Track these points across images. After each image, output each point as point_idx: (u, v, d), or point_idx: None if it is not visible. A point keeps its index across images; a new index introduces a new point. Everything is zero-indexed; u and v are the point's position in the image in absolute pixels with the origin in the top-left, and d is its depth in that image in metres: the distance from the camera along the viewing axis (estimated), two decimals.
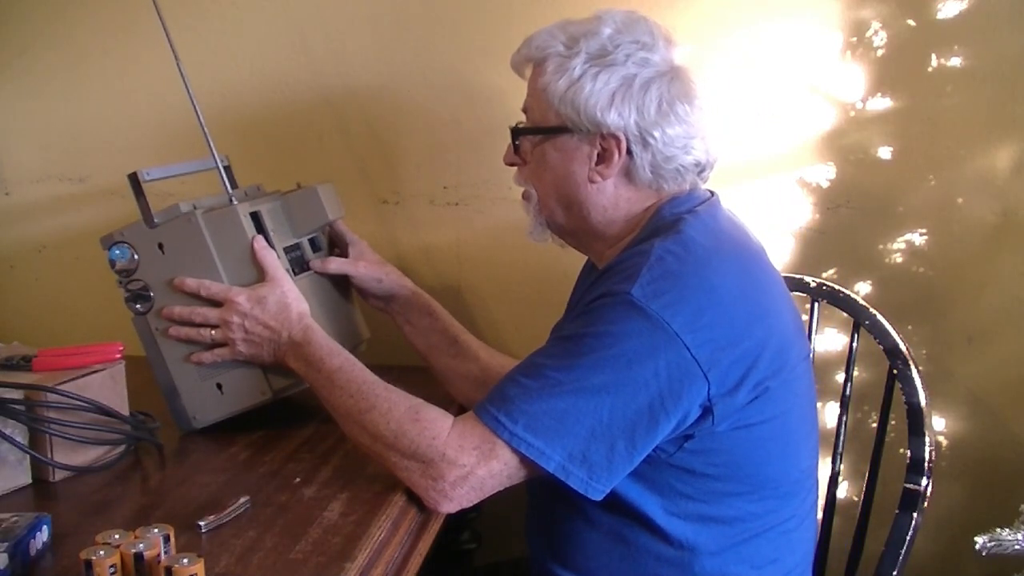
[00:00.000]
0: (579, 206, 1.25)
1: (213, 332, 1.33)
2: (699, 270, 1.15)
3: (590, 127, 1.21)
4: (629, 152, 1.21)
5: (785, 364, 1.18)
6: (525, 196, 1.31)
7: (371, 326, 1.58)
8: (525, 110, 1.29)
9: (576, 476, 1.11)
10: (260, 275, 1.33)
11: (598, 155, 1.22)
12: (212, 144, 1.40)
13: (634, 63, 1.20)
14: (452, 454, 1.12)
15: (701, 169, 1.25)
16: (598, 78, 1.19)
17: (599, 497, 1.12)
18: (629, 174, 1.23)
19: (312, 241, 1.48)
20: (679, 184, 1.24)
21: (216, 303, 1.33)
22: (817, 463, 1.31)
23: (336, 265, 1.47)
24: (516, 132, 1.28)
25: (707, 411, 1.12)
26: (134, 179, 1.35)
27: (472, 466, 1.12)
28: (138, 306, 1.37)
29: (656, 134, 1.20)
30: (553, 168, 1.25)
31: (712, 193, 1.28)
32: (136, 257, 1.36)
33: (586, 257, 1.38)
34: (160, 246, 1.35)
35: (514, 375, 1.15)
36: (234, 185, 1.50)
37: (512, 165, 1.32)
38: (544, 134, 1.25)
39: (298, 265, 1.43)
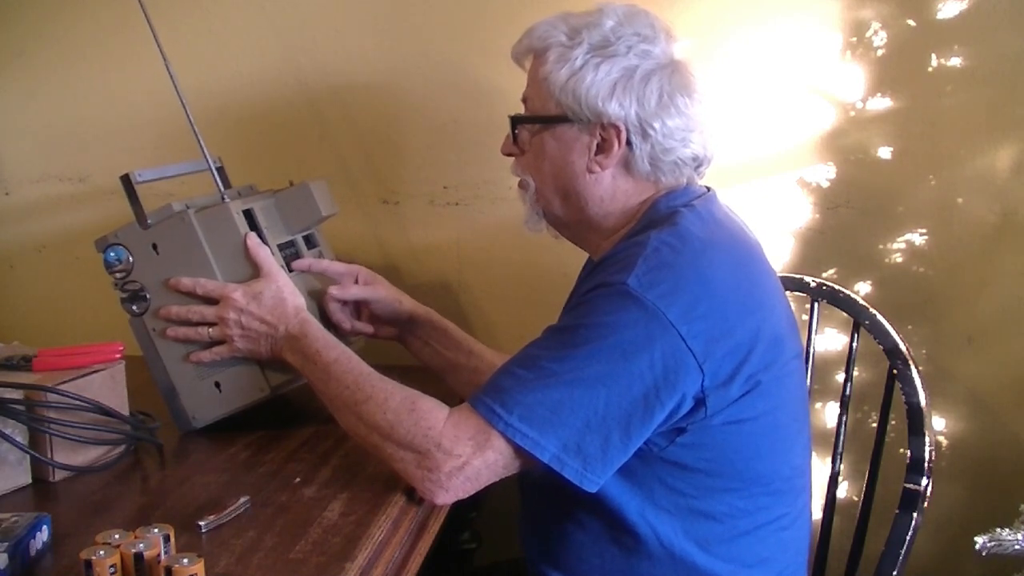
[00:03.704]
0: (576, 196, 1.25)
1: (210, 330, 1.33)
2: (694, 261, 1.15)
3: (590, 117, 1.21)
4: (628, 143, 1.22)
5: (777, 358, 1.19)
6: (522, 185, 1.31)
7: None
8: (525, 100, 1.29)
9: (571, 467, 1.11)
10: (255, 271, 1.33)
11: (597, 145, 1.23)
12: (203, 145, 1.40)
13: (635, 55, 1.20)
14: (447, 444, 1.12)
15: (698, 164, 1.26)
16: (599, 68, 1.20)
17: (594, 488, 1.12)
18: (627, 165, 1.23)
19: (307, 238, 1.48)
20: (676, 178, 1.25)
21: (212, 301, 1.33)
22: (809, 463, 1.31)
23: (356, 291, 1.45)
24: (516, 121, 1.29)
25: (700, 403, 1.13)
26: (126, 181, 1.35)
27: (467, 456, 1.12)
28: (135, 307, 1.37)
29: (656, 125, 1.20)
30: (551, 158, 1.25)
31: (708, 188, 1.29)
32: (131, 258, 1.36)
33: (586, 256, 1.38)
34: (154, 246, 1.35)
35: (509, 366, 1.15)
36: (227, 185, 1.50)
37: (510, 155, 1.32)
38: (544, 123, 1.25)
39: (293, 261, 1.43)
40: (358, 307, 1.48)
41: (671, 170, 1.24)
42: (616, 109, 1.20)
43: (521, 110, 1.30)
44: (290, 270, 1.40)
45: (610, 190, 1.25)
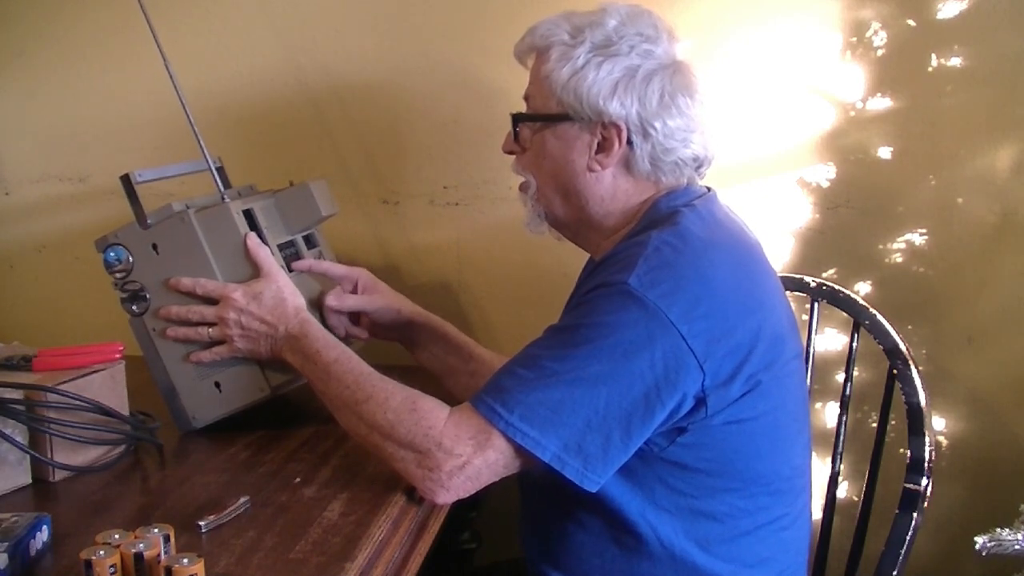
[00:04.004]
0: (577, 195, 1.26)
1: (210, 330, 1.33)
2: (695, 261, 1.15)
3: (592, 115, 1.21)
4: (629, 143, 1.22)
5: (778, 358, 1.19)
6: (522, 187, 1.31)
7: None
8: (526, 98, 1.30)
9: (572, 467, 1.11)
10: (255, 271, 1.33)
11: (598, 144, 1.23)
12: (203, 145, 1.40)
13: (637, 54, 1.21)
14: (448, 444, 1.12)
15: (699, 165, 1.26)
16: (602, 67, 1.20)
17: (594, 488, 1.12)
18: (628, 165, 1.23)
19: (307, 238, 1.48)
20: (676, 178, 1.25)
21: (212, 301, 1.33)
22: (809, 463, 1.31)
23: (352, 302, 1.44)
24: (517, 118, 1.29)
25: (700, 402, 1.13)
26: (126, 181, 1.35)
27: (468, 456, 1.12)
28: (134, 307, 1.37)
29: (657, 125, 1.20)
30: (552, 156, 1.25)
31: (708, 189, 1.29)
32: (131, 259, 1.36)
33: (587, 256, 1.38)
34: (154, 246, 1.35)
35: (510, 366, 1.15)
36: (227, 185, 1.50)
37: (510, 153, 1.32)
38: (545, 121, 1.25)
39: (293, 261, 1.43)
40: (357, 312, 1.48)
41: (672, 170, 1.24)
42: (617, 108, 1.20)
43: (523, 108, 1.30)
44: (290, 270, 1.40)
45: (610, 189, 1.25)
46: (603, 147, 1.23)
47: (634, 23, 1.23)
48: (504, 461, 1.13)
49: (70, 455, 1.24)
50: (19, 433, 1.19)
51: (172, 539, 1.00)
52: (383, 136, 1.78)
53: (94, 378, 1.27)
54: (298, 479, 1.23)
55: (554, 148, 1.25)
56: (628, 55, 1.20)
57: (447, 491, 1.13)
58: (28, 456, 1.21)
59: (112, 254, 1.37)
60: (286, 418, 1.43)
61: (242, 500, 1.14)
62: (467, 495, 1.15)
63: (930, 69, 1.59)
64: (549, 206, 1.29)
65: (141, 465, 1.32)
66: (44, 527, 1.05)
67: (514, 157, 1.32)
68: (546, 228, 1.32)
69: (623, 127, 1.21)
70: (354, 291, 1.46)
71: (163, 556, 0.96)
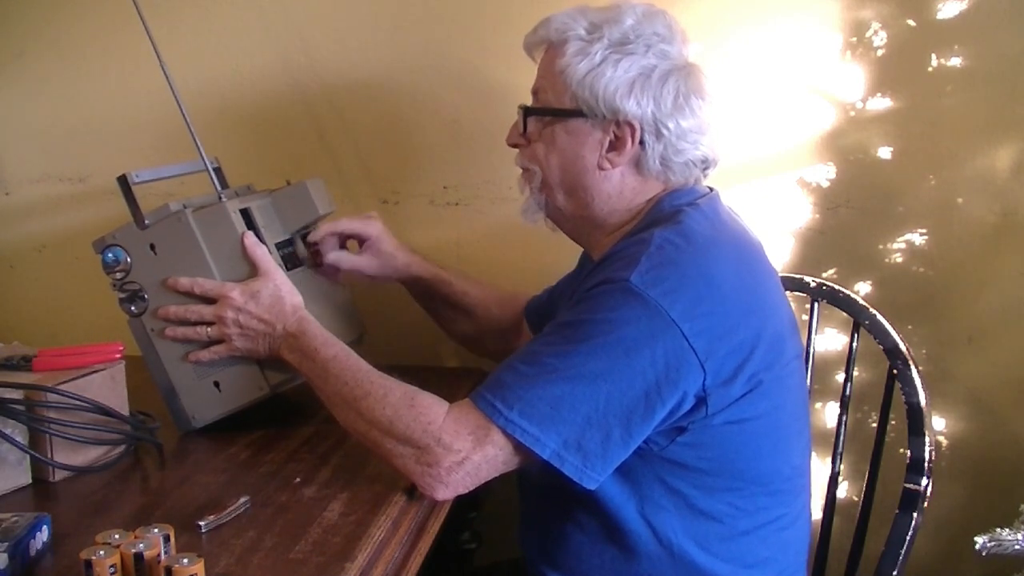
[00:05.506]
0: (584, 191, 1.25)
1: (209, 329, 1.33)
2: (698, 260, 1.15)
3: (607, 113, 1.21)
4: (641, 142, 1.22)
5: (779, 358, 1.19)
6: (526, 175, 1.30)
7: (370, 324, 1.58)
8: (535, 91, 1.29)
9: (571, 463, 1.11)
10: (252, 270, 1.33)
11: (610, 142, 1.22)
12: (200, 145, 1.40)
13: (654, 54, 1.21)
14: (447, 439, 1.12)
15: (706, 166, 1.26)
16: (619, 65, 1.20)
17: (593, 485, 1.12)
18: (638, 164, 1.23)
19: (304, 236, 1.48)
20: (685, 178, 1.25)
21: (210, 300, 1.33)
22: (809, 463, 1.32)
23: (351, 264, 1.50)
24: (528, 111, 1.28)
25: (701, 401, 1.13)
26: (123, 181, 1.35)
27: (467, 452, 1.12)
28: (133, 308, 1.37)
29: (671, 125, 1.21)
30: (562, 151, 1.25)
31: (711, 189, 1.29)
32: (129, 259, 1.36)
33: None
34: (152, 247, 1.35)
35: (511, 362, 1.15)
36: (225, 185, 1.50)
37: (515, 146, 1.31)
38: (558, 115, 1.25)
39: (291, 260, 1.43)
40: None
41: (681, 170, 1.24)
42: (633, 107, 1.20)
43: (529, 102, 1.30)
44: (287, 268, 1.40)
45: (618, 187, 1.25)
46: (615, 145, 1.23)
47: (650, 23, 1.23)
48: (503, 457, 1.13)
49: (70, 455, 1.24)
50: (19, 433, 1.19)
51: (172, 539, 1.00)
52: (383, 136, 1.78)
53: (94, 378, 1.27)
54: (298, 479, 1.23)
55: (564, 143, 1.25)
56: (645, 55, 1.21)
57: (446, 487, 1.13)
58: (28, 456, 1.21)
59: (110, 255, 1.37)
60: (286, 418, 1.43)
61: (242, 500, 1.14)
62: (466, 491, 1.15)
63: (930, 69, 1.59)
64: (552, 198, 1.29)
65: (141, 465, 1.32)
66: (44, 527, 1.05)
67: (518, 150, 1.31)
68: (541, 218, 1.32)
69: (637, 126, 1.21)
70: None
71: (163, 556, 0.96)
